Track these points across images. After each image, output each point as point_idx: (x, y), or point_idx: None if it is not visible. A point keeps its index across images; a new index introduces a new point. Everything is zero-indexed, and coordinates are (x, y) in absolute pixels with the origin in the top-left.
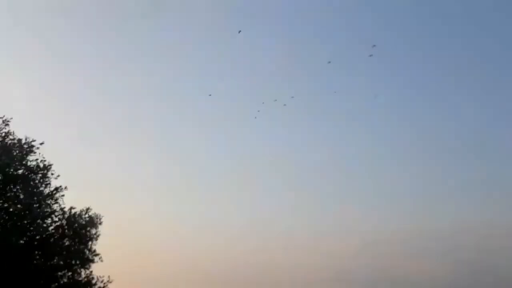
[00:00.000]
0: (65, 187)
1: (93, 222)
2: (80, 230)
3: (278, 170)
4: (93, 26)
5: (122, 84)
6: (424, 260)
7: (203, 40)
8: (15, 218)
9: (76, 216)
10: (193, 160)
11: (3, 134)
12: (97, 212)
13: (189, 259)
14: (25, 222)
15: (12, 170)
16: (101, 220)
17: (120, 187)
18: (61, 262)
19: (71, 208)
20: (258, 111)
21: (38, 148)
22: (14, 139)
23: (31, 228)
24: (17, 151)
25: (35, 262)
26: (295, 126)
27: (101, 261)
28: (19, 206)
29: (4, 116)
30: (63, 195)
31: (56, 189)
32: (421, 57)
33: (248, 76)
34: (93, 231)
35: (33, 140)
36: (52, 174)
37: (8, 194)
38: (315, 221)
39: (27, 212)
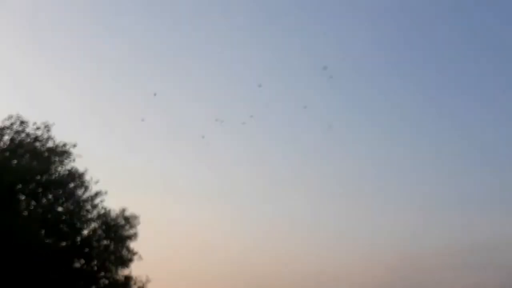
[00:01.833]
0: (105, 192)
1: (130, 222)
2: (117, 231)
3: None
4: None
5: (166, 85)
6: (464, 273)
7: None
8: (55, 222)
9: (114, 217)
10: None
11: (43, 140)
12: (135, 212)
13: (229, 260)
14: (65, 226)
15: (52, 175)
16: (139, 221)
17: (160, 188)
18: (100, 264)
19: (109, 210)
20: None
21: (73, 152)
22: (53, 144)
23: (71, 232)
24: (55, 156)
25: (75, 264)
26: None
27: (141, 259)
28: (59, 210)
29: (46, 121)
30: (103, 200)
31: (96, 194)
32: None
33: None
34: (131, 231)
35: (74, 145)
36: (91, 178)
37: (49, 198)
38: (352, 231)
39: (67, 216)
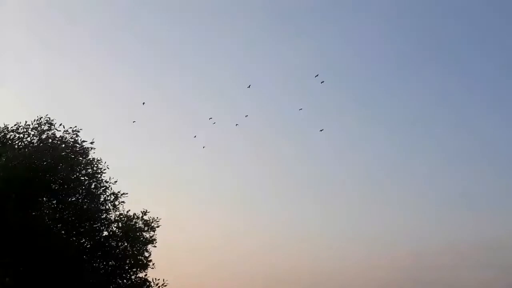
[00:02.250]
0: (125, 193)
1: (149, 225)
2: (136, 233)
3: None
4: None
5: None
6: (483, 271)
7: None
8: (76, 222)
9: (133, 219)
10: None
11: (69, 142)
12: (155, 215)
13: (246, 261)
14: (86, 226)
15: (74, 175)
16: (158, 224)
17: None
18: (118, 265)
19: (128, 211)
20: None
21: (94, 152)
22: (78, 146)
23: (92, 232)
24: (78, 157)
25: (94, 265)
26: None
27: (153, 268)
28: (80, 210)
29: (75, 126)
30: (123, 202)
31: (116, 195)
32: None
33: None
34: (150, 234)
35: (92, 142)
36: (110, 178)
37: (71, 198)
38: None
39: (88, 216)
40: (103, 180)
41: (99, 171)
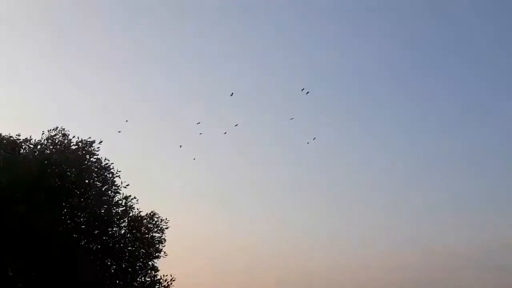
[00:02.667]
0: (135, 197)
1: (158, 226)
2: (146, 235)
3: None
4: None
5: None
6: (501, 274)
7: None
8: (88, 224)
9: (143, 220)
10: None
11: (81, 150)
12: (163, 216)
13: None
14: (97, 228)
15: (85, 179)
16: (167, 225)
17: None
18: (129, 265)
19: (138, 213)
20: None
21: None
22: (90, 152)
23: (103, 234)
24: (89, 160)
25: (104, 267)
26: None
27: (166, 255)
28: (92, 212)
29: (89, 137)
30: (132, 205)
31: (126, 197)
32: None
33: None
34: (159, 234)
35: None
36: (121, 182)
37: (82, 201)
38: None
39: (99, 218)
40: (114, 184)
41: (110, 175)
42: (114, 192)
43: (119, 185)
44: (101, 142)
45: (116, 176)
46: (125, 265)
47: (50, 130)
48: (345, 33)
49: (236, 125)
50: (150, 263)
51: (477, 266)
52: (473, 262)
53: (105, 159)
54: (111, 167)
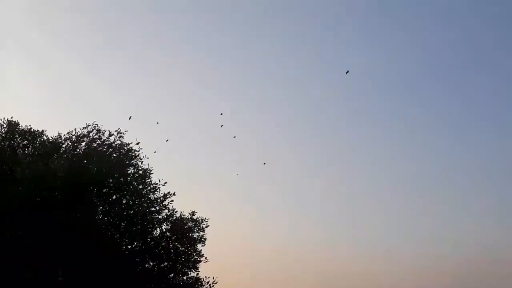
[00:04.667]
0: (173, 193)
1: (199, 225)
2: (186, 234)
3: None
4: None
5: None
6: None
7: None
8: (127, 224)
9: (183, 219)
10: None
11: (116, 145)
12: (203, 215)
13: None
14: (137, 227)
15: (123, 178)
16: (207, 223)
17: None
18: (170, 265)
19: (177, 212)
20: None
21: (142, 154)
22: (125, 149)
23: (143, 234)
24: (126, 160)
25: (146, 265)
26: None
27: (206, 261)
28: (131, 212)
29: (119, 128)
30: (172, 201)
31: (165, 195)
32: None
33: None
34: (199, 234)
35: (138, 143)
36: (159, 180)
37: (121, 200)
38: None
39: (138, 218)
40: (152, 182)
41: (148, 173)
42: (151, 192)
43: (157, 184)
44: (138, 143)
45: (151, 173)
46: (164, 264)
47: (86, 126)
48: None
49: None
50: (189, 264)
51: None
52: None
53: (144, 157)
54: (150, 169)
